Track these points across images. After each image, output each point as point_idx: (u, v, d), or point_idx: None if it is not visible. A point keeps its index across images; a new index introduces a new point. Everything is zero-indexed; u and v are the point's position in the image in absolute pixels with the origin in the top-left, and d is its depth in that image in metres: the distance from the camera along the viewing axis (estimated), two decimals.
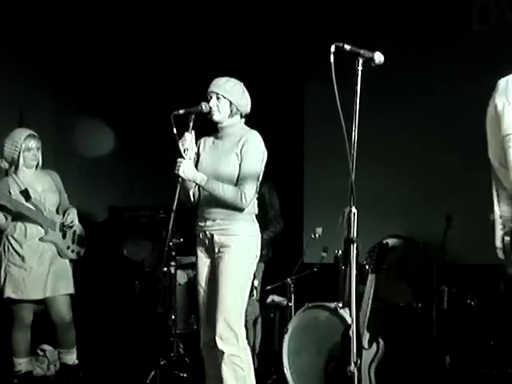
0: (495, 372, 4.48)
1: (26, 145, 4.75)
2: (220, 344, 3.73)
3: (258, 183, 3.87)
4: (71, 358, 4.97)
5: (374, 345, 4.05)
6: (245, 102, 3.94)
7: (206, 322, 3.89)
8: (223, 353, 3.72)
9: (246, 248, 3.82)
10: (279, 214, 5.49)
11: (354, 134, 2.84)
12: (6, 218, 4.73)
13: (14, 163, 4.77)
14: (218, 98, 3.87)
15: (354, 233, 2.84)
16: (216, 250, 3.84)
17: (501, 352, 4.37)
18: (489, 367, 4.32)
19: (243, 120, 3.98)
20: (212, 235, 3.85)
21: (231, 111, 3.89)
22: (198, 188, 3.91)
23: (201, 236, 3.93)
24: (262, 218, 4.04)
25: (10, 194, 4.72)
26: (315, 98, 6.80)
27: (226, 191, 3.75)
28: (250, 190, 3.78)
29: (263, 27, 6.93)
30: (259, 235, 3.92)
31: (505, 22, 5.71)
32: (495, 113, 2.94)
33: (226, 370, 3.74)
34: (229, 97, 3.87)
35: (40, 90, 6.45)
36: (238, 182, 3.79)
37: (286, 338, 4.74)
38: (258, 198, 3.93)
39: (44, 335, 5.21)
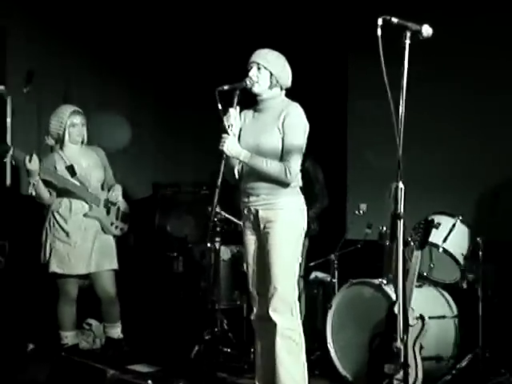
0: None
1: (71, 121, 4.80)
2: (274, 316, 3.73)
3: (302, 156, 3.83)
4: (116, 331, 5.05)
5: (419, 321, 4.02)
6: (286, 74, 3.89)
7: (259, 298, 3.88)
8: (277, 325, 3.72)
9: (293, 221, 3.80)
10: (324, 187, 5.49)
11: (402, 109, 2.80)
12: (51, 194, 4.78)
13: (60, 139, 4.82)
14: (258, 69, 3.83)
15: (401, 208, 2.81)
16: (262, 226, 3.82)
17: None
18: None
19: (283, 93, 3.93)
20: (257, 210, 3.83)
21: (271, 83, 3.83)
22: (242, 165, 3.90)
23: (245, 212, 3.92)
24: (308, 193, 4.01)
25: (56, 169, 4.78)
26: (358, 71, 6.73)
27: (271, 167, 3.73)
28: (295, 165, 3.75)
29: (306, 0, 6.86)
30: (305, 207, 3.89)
31: None
32: None
33: (280, 342, 3.73)
34: (270, 68, 3.82)
35: (86, 67, 6.48)
36: (282, 156, 3.77)
37: (330, 314, 4.73)
38: (301, 171, 3.89)
39: (89, 309, 5.28)
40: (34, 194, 4.70)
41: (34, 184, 4.65)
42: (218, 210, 4.82)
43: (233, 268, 5.46)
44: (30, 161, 4.54)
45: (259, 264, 3.88)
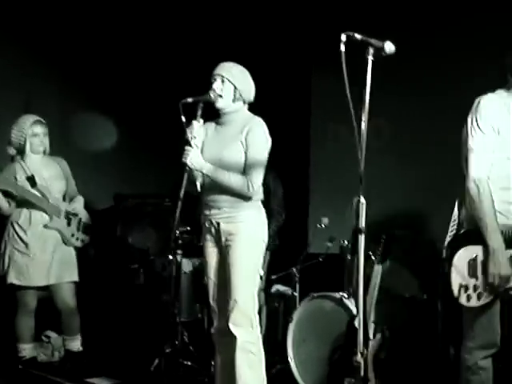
0: (500, 365, 4.47)
1: (33, 130, 4.76)
2: (234, 330, 3.72)
3: (264, 170, 3.84)
4: (76, 344, 5.00)
5: (379, 335, 4.05)
6: (249, 88, 3.91)
7: (219, 311, 3.88)
8: (237, 339, 3.71)
9: (254, 234, 3.81)
10: (282, 205, 5.42)
11: (365, 125, 2.82)
12: (10, 204, 4.73)
13: (21, 149, 4.78)
14: (222, 82, 3.84)
15: (362, 223, 2.83)
16: (223, 239, 3.82)
17: (505, 345, 4.36)
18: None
19: (246, 107, 3.94)
20: (218, 223, 3.83)
21: (234, 96, 3.84)
22: (203, 176, 3.89)
23: (207, 224, 3.91)
24: (265, 208, 4.01)
25: (16, 179, 4.73)
26: (322, 86, 6.76)
27: (234, 180, 3.74)
28: (257, 178, 3.77)
29: (270, 16, 6.89)
30: (266, 221, 3.91)
31: None
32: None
33: (239, 356, 3.72)
34: (234, 81, 3.83)
35: (46, 77, 6.42)
36: (244, 170, 3.78)
37: (291, 327, 4.74)
38: (262, 185, 3.91)
39: (49, 321, 5.22)
40: None
41: None
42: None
43: (194, 281, 5.44)
44: None
45: (220, 277, 3.88)
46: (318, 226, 5.18)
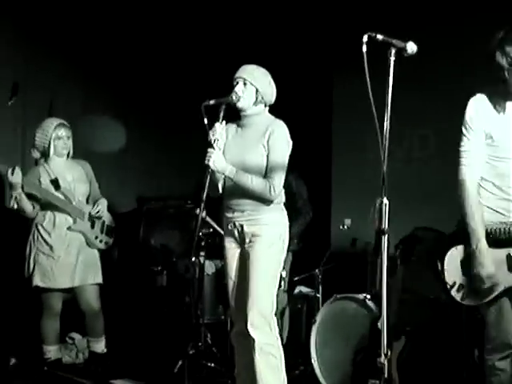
0: None
1: (56, 133, 4.79)
2: (252, 332, 3.72)
3: (285, 174, 3.85)
4: (100, 346, 5.03)
5: (403, 337, 4.03)
6: (270, 91, 3.92)
7: (238, 312, 3.88)
8: (255, 341, 3.72)
9: (276, 237, 3.81)
10: (308, 202, 5.47)
11: (387, 125, 2.82)
12: (34, 207, 4.77)
13: (45, 152, 4.82)
14: (244, 84, 3.85)
15: (385, 224, 2.82)
16: (247, 240, 3.83)
17: None
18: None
19: (267, 109, 3.95)
20: (242, 225, 3.84)
21: (256, 99, 3.86)
22: (224, 179, 3.91)
23: (229, 227, 3.92)
24: (291, 208, 4.02)
25: (40, 182, 4.76)
26: (344, 86, 6.74)
27: (255, 184, 3.74)
28: (279, 182, 3.77)
29: (292, 17, 6.89)
30: (288, 223, 3.91)
31: None
32: None
33: (258, 358, 3.73)
34: (256, 84, 3.85)
35: (70, 80, 6.46)
36: (266, 173, 3.78)
37: (314, 329, 4.74)
38: (284, 187, 3.91)
39: (73, 323, 5.26)
40: (15, 207, 4.69)
41: (16, 197, 4.64)
42: (204, 216, 4.82)
43: (217, 282, 5.45)
44: (12, 173, 4.53)
45: (240, 278, 3.89)
46: (341, 227, 5.17)
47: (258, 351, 3.72)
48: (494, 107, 3.26)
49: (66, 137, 4.83)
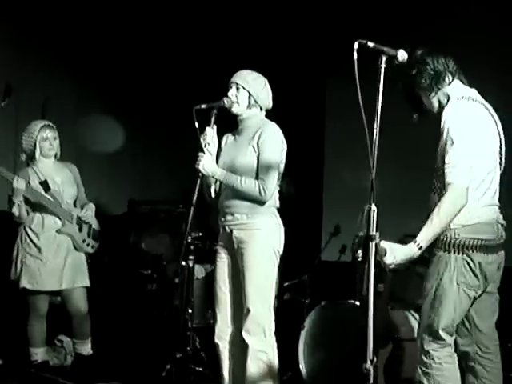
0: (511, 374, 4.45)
1: (41, 135, 4.78)
2: (247, 338, 3.72)
3: (280, 174, 3.85)
4: (85, 348, 5.01)
5: (391, 343, 4.04)
6: (265, 95, 3.92)
7: (231, 318, 3.88)
8: (248, 347, 3.71)
9: (267, 242, 3.79)
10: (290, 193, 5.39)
11: (376, 132, 2.82)
12: (28, 213, 4.76)
13: (32, 154, 4.81)
14: (237, 89, 3.86)
15: (373, 230, 2.82)
16: (235, 246, 3.82)
17: None
18: (506, 370, 4.30)
19: (263, 113, 3.95)
20: (231, 230, 3.84)
21: (249, 102, 3.86)
22: (220, 183, 3.90)
23: (221, 230, 3.93)
24: (283, 214, 4.00)
25: (30, 184, 4.75)
26: (337, 94, 6.78)
27: (245, 184, 3.73)
28: (271, 182, 3.75)
29: (286, 23, 6.91)
30: (281, 228, 3.89)
31: None
32: None
33: (250, 364, 3.72)
34: (248, 88, 3.85)
35: (63, 82, 6.47)
36: (257, 174, 3.78)
37: (302, 335, 4.74)
38: (279, 192, 3.91)
39: (61, 326, 5.24)
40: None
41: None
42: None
43: (206, 287, 5.43)
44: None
45: (231, 284, 3.88)
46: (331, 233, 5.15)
47: (251, 358, 3.72)
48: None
49: (52, 138, 4.82)
